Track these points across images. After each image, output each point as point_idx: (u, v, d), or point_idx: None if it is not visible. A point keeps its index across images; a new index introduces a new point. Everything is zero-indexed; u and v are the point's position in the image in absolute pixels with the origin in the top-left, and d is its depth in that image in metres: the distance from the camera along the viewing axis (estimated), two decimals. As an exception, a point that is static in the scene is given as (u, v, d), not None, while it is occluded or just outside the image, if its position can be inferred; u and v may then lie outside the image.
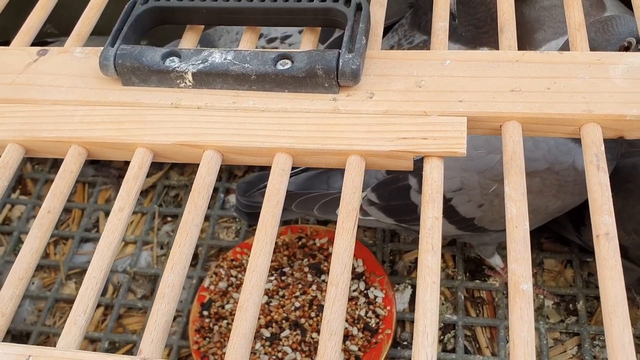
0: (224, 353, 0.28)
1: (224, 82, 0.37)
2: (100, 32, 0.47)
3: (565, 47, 0.50)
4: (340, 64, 0.35)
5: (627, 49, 0.47)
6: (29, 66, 0.42)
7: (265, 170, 0.78)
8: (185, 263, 0.32)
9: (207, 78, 0.37)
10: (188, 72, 0.37)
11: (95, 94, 0.39)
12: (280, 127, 0.36)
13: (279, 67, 0.36)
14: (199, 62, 0.37)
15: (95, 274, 0.32)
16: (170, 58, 0.38)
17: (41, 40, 0.77)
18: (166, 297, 0.30)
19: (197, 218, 0.33)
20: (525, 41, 0.58)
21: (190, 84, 0.38)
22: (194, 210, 0.33)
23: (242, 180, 0.67)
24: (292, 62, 0.36)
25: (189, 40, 0.43)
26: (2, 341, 0.30)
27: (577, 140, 0.51)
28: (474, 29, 0.57)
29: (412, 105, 0.35)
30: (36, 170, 0.86)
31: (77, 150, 0.38)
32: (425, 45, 0.60)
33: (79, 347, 0.29)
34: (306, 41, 0.42)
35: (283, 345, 0.62)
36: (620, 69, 0.36)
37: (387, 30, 0.68)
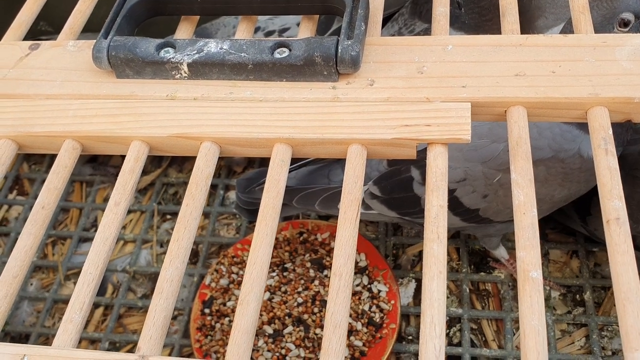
0: (227, 351, 0.27)
1: (220, 72, 0.36)
2: (95, 29, 0.46)
3: (566, 29, 0.49)
4: (339, 50, 0.35)
5: (626, 24, 0.45)
6: (20, 61, 0.41)
7: (264, 166, 0.77)
8: (184, 257, 0.31)
9: (203, 68, 0.36)
10: (183, 63, 0.36)
11: (89, 88, 0.38)
12: (278, 117, 0.35)
13: (277, 55, 0.36)
14: (194, 52, 0.36)
15: (91, 271, 0.31)
16: (165, 49, 0.37)
17: (36, 37, 0.76)
18: (164, 293, 0.29)
19: (196, 211, 0.32)
20: (527, 29, 0.57)
21: (186, 75, 0.37)
22: (192, 203, 0.33)
23: (242, 177, 0.66)
24: (290, 50, 0.36)
25: (184, 32, 0.43)
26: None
27: (583, 127, 0.50)
28: (478, 16, 0.56)
29: (414, 92, 0.35)
30: (33, 170, 0.85)
31: (71, 144, 0.37)
32: (427, 33, 0.59)
33: (75, 345, 0.29)
34: (304, 29, 0.41)
35: (286, 342, 0.61)
36: (626, 50, 0.35)
37: (387, 20, 0.67)
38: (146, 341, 0.28)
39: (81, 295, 0.30)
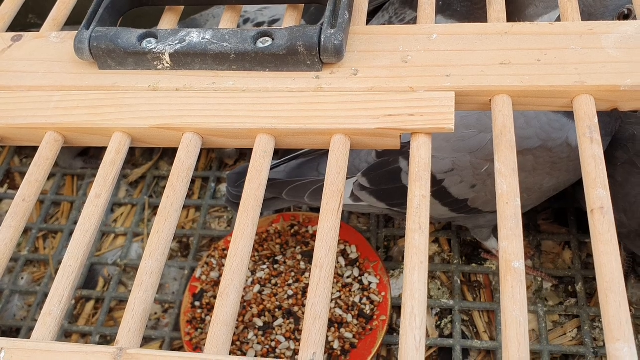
0: (206, 343, 0.27)
1: (203, 62, 0.36)
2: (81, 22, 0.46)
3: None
4: (322, 39, 0.34)
5: (626, 17, 0.45)
6: (2, 52, 0.40)
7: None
8: (164, 250, 0.30)
9: (185, 59, 0.36)
10: (165, 53, 0.36)
11: (71, 79, 0.38)
12: (261, 108, 0.34)
13: (259, 45, 0.35)
14: (176, 42, 0.36)
15: (71, 263, 0.31)
16: (147, 39, 0.37)
17: (25, 30, 0.76)
18: (144, 285, 0.29)
19: (176, 203, 0.32)
20: (517, 18, 0.56)
21: (168, 65, 0.36)
22: (172, 194, 0.32)
23: (232, 171, 0.66)
24: (273, 39, 0.35)
25: (167, 23, 0.42)
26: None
27: (570, 116, 0.50)
28: (470, 4, 0.56)
29: (398, 81, 0.34)
30: (24, 164, 0.85)
31: (52, 136, 0.36)
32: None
33: (54, 338, 0.28)
34: (288, 19, 0.40)
35: (276, 334, 0.61)
36: (613, 38, 0.34)
37: (378, 9, 0.66)
38: (125, 334, 0.28)
39: (60, 288, 0.30)
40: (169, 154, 0.84)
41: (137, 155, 0.84)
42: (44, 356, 0.27)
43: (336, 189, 0.31)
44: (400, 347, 0.26)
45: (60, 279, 0.30)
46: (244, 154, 0.82)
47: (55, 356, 0.27)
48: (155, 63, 0.36)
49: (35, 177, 0.35)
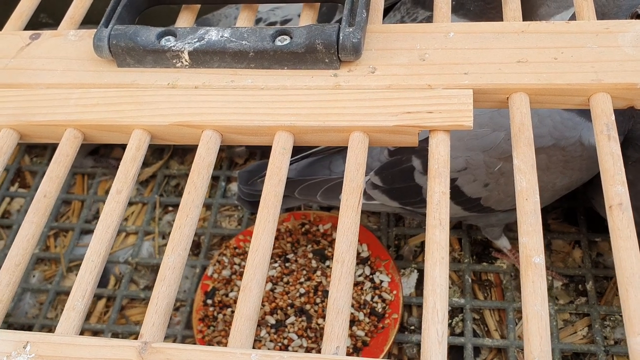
0: (229, 337, 0.27)
1: (222, 60, 0.36)
2: (96, 21, 0.46)
3: (574, 19, 0.49)
4: (341, 38, 0.34)
5: (639, 16, 0.45)
6: (21, 50, 0.41)
7: (266, 158, 0.77)
8: (186, 245, 0.31)
9: (204, 57, 0.36)
10: (184, 51, 0.36)
11: (90, 77, 0.38)
12: (280, 105, 0.35)
13: (278, 43, 0.35)
14: (195, 40, 0.36)
15: (93, 258, 0.31)
16: (166, 37, 0.37)
17: (36, 29, 0.76)
18: (167, 280, 0.29)
19: (197, 199, 0.32)
20: (529, 18, 0.56)
21: (187, 63, 0.37)
22: (193, 191, 0.33)
23: (244, 169, 0.66)
24: (291, 37, 0.35)
25: (184, 21, 0.42)
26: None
27: (584, 115, 0.50)
28: (483, 3, 0.56)
29: (416, 79, 0.34)
30: (34, 162, 0.85)
31: (72, 133, 0.37)
32: (429, 21, 0.59)
33: (78, 332, 0.29)
34: (305, 18, 0.41)
35: (289, 332, 0.62)
36: (629, 36, 0.35)
37: (389, 10, 0.67)
38: (149, 328, 0.28)
39: (83, 283, 0.30)
40: (179, 153, 0.84)
41: (148, 154, 0.84)
42: (69, 350, 0.27)
43: (355, 185, 0.32)
44: (423, 341, 0.26)
45: (82, 274, 0.30)
46: (254, 153, 0.83)
47: (80, 350, 0.27)
48: (174, 61, 0.37)
49: (56, 173, 0.35)
